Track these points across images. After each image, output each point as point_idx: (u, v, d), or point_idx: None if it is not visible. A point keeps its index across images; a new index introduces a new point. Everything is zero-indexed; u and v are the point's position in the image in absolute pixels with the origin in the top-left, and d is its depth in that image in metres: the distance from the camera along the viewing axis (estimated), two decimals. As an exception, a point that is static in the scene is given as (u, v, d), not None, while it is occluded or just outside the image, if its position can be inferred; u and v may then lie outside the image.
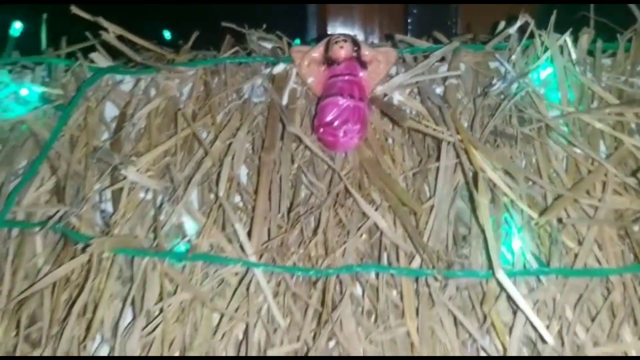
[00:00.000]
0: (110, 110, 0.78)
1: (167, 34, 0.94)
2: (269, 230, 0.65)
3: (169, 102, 0.77)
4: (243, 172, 0.72)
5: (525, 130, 0.69)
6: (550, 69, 0.73)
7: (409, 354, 0.60)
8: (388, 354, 0.60)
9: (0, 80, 0.76)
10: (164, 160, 0.71)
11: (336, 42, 0.73)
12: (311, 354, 0.58)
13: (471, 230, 0.63)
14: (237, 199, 0.69)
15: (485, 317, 0.60)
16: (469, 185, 0.63)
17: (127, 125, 0.74)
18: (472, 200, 0.63)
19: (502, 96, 0.72)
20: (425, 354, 0.59)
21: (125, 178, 0.67)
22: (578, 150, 0.68)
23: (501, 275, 0.56)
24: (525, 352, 0.59)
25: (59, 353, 0.59)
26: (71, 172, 0.70)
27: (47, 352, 0.59)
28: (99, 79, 0.78)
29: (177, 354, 0.60)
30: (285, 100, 0.75)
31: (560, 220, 0.60)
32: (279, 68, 0.77)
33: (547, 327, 0.57)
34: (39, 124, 0.74)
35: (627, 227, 0.62)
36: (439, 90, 0.75)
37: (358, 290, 0.64)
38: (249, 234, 0.64)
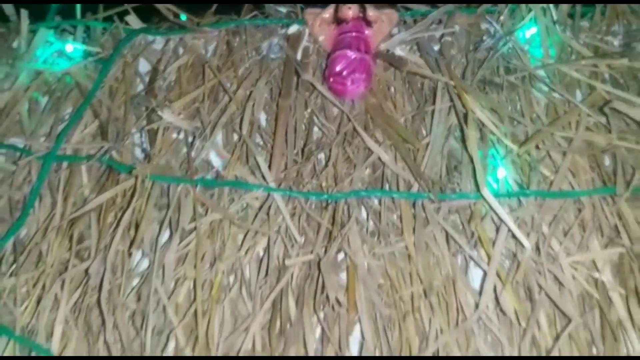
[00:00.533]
0: (144, 66, 0.88)
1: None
2: (285, 164, 0.75)
3: (196, 59, 0.86)
4: (262, 117, 0.81)
5: (510, 79, 0.78)
6: (534, 28, 0.83)
7: (407, 266, 0.69)
8: (389, 266, 0.70)
9: (47, 39, 0.86)
10: (193, 106, 0.80)
11: (344, 4, 0.82)
12: (322, 264, 0.68)
13: (462, 162, 0.73)
14: (258, 138, 0.79)
15: (472, 234, 0.69)
16: (461, 124, 0.73)
17: (159, 78, 0.84)
18: (463, 139, 0.73)
19: (491, 51, 0.81)
20: (420, 265, 0.68)
21: (160, 119, 0.77)
22: (557, 95, 0.77)
23: (486, 193, 0.66)
24: (507, 263, 0.69)
25: (107, 264, 0.68)
26: (112, 116, 0.80)
27: (95, 264, 0.69)
28: (133, 39, 0.88)
29: (207, 265, 0.70)
30: (299, 56, 0.84)
31: (537, 147, 0.70)
32: (293, 29, 0.87)
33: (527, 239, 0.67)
34: (82, 76, 0.84)
35: (596, 157, 0.71)
36: (436, 47, 0.85)
37: (363, 213, 0.73)
38: (269, 167, 0.74)
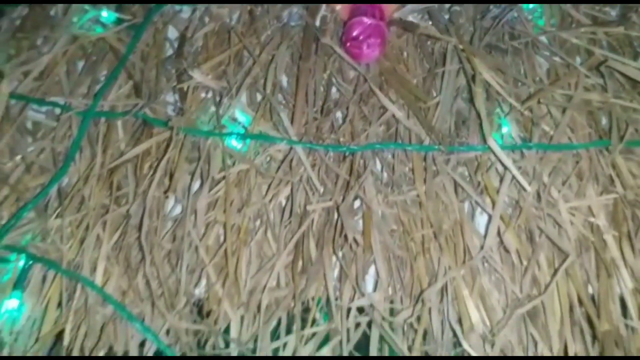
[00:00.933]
0: (172, 33, 0.94)
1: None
2: (306, 121, 0.81)
3: (221, 26, 0.93)
4: (284, 80, 0.87)
5: (515, 45, 0.85)
6: (537, 0, 0.89)
7: (418, 212, 0.76)
8: (401, 212, 0.76)
9: (82, 7, 0.92)
10: (219, 68, 0.87)
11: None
12: (341, 208, 0.74)
13: (470, 118, 0.79)
14: (280, 98, 0.85)
15: (479, 183, 0.76)
16: (469, 84, 0.79)
17: (187, 44, 0.90)
18: (470, 99, 0.79)
19: (497, 19, 0.87)
20: (430, 210, 0.75)
21: (190, 79, 0.83)
22: (558, 60, 0.83)
23: (492, 142, 0.72)
24: (510, 211, 0.75)
25: (145, 206, 0.75)
26: (145, 77, 0.86)
27: (135, 206, 0.76)
28: (163, 8, 0.94)
29: (235, 210, 0.76)
30: (317, 23, 0.90)
31: (539, 102, 0.76)
32: (313, -3, 0.93)
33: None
34: (115, 41, 0.90)
35: (593, 114, 0.78)
36: (446, 17, 0.91)
37: (378, 165, 0.79)
38: (291, 122, 0.80)
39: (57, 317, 0.73)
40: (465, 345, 0.65)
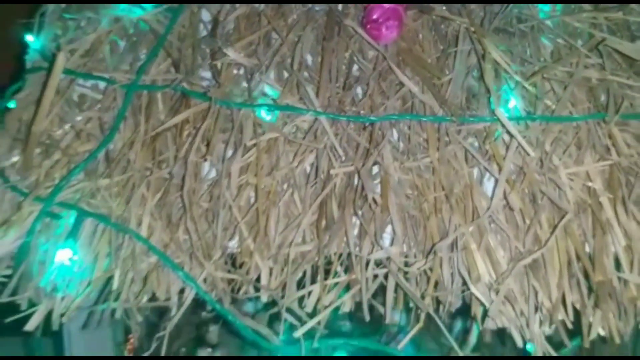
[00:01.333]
0: (205, 16, 1.02)
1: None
2: (329, 96, 0.89)
3: (251, 11, 1.01)
4: (309, 59, 0.95)
5: (521, 28, 0.92)
6: (543, -13, 0.97)
7: (431, 177, 0.83)
8: (416, 178, 0.84)
9: (123, -8, 1.01)
10: (250, 47, 0.95)
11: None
12: (362, 171, 0.82)
13: (480, 93, 0.86)
14: (305, 75, 0.93)
15: (487, 151, 0.83)
16: (480, 62, 0.87)
17: (220, 26, 0.98)
18: (480, 77, 0.87)
19: (506, 4, 0.95)
20: (443, 175, 0.82)
21: (224, 56, 0.91)
22: (561, 41, 0.91)
23: (499, 112, 0.79)
24: (514, 171, 0.82)
25: (186, 172, 0.83)
26: (182, 55, 0.94)
27: (175, 169, 0.84)
28: (197, -7, 1.02)
29: (265, 174, 0.84)
30: (340, 8, 0.98)
31: (543, 77, 0.83)
32: (335, -15, 1.01)
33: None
34: (154, 22, 0.99)
35: (592, 90, 0.85)
36: (458, 2, 0.99)
37: (395, 136, 0.87)
38: (316, 95, 0.88)
39: (106, 265, 0.81)
40: (473, 289, 0.73)
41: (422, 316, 0.77)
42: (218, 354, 1.18)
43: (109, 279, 0.80)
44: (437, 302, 0.78)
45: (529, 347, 0.80)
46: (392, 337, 1.14)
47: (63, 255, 0.79)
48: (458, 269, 0.76)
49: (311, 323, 0.77)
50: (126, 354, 1.10)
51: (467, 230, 0.78)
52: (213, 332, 1.17)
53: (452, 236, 0.78)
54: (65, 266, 0.79)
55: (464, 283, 0.77)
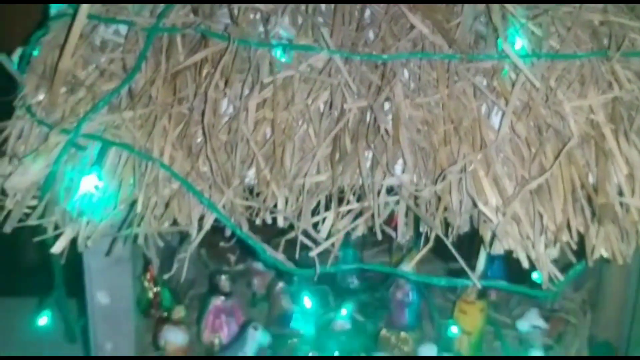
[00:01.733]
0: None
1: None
2: (343, 36, 0.93)
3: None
4: (322, 6, 0.99)
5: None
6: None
7: (441, 113, 0.87)
8: (427, 114, 0.87)
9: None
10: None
11: None
12: (374, 105, 0.85)
13: (487, 33, 0.90)
14: (320, 19, 0.97)
15: (494, 88, 0.87)
16: (487, 7, 0.90)
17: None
18: (489, 21, 0.91)
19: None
20: (452, 109, 0.86)
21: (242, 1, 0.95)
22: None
23: (506, 46, 0.83)
24: (520, 107, 0.86)
25: (205, 106, 0.87)
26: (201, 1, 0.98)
27: (195, 103, 0.87)
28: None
29: (281, 109, 0.88)
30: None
31: (547, 13, 0.87)
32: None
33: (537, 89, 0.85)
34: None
35: (595, 31, 0.89)
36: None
37: (406, 75, 0.91)
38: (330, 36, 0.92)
39: (130, 192, 0.85)
40: (482, 207, 0.77)
41: (432, 237, 0.80)
42: (230, 302, 1.21)
43: (132, 208, 0.84)
44: (446, 225, 0.82)
45: (535, 276, 0.84)
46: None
47: (88, 182, 0.83)
48: (467, 191, 0.79)
49: (326, 244, 0.81)
50: (146, 284, 1.14)
51: (475, 158, 0.81)
52: (225, 281, 1.20)
53: (461, 163, 0.81)
54: (91, 192, 0.83)
55: (473, 207, 0.80)
